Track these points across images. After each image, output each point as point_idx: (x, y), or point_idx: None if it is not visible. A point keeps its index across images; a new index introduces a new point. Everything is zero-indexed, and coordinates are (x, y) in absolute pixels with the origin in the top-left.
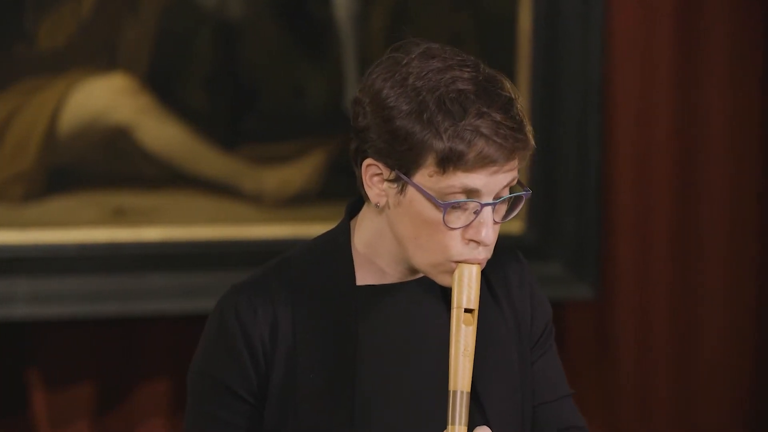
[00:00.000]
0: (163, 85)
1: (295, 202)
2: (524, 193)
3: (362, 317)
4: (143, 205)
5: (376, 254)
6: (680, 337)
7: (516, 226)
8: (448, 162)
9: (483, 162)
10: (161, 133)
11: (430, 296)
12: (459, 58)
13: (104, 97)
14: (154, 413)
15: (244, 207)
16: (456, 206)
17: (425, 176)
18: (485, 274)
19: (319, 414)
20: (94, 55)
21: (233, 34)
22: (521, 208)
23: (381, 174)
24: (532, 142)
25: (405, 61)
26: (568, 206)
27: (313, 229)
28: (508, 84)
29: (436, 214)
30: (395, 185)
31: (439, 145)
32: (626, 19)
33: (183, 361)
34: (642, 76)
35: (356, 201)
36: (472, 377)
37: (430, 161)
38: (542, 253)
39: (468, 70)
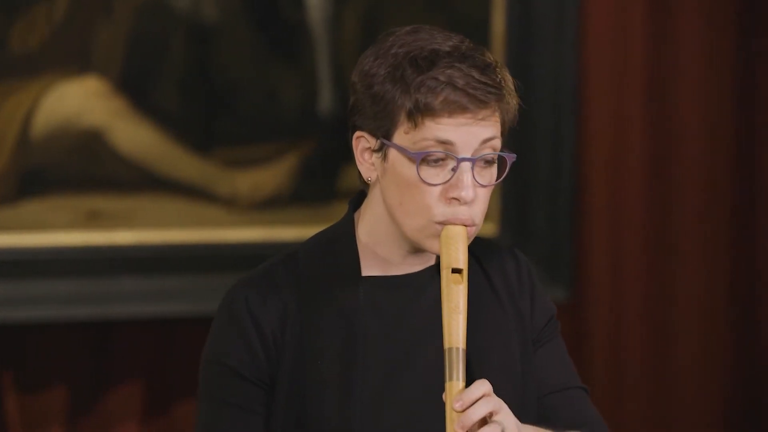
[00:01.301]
0: (136, 89)
1: (268, 206)
2: (507, 155)
3: (367, 307)
4: (117, 209)
5: (378, 243)
6: (653, 339)
7: (489, 228)
8: (416, 112)
9: (450, 109)
10: (134, 136)
11: (434, 287)
12: (447, 33)
13: (77, 101)
14: (128, 417)
15: (218, 210)
16: (431, 160)
17: (401, 135)
18: (485, 271)
19: (325, 402)
20: (67, 58)
21: (207, 37)
22: (506, 174)
23: (369, 147)
24: (512, 102)
25: (391, 39)
26: (542, 208)
27: (287, 233)
28: (491, 56)
29: (413, 171)
30: (380, 154)
31: (407, 98)
32: (600, 22)
33: (157, 364)
34: (615, 79)
35: (359, 194)
36: (473, 370)
37: (403, 117)
38: None
39: (452, 41)
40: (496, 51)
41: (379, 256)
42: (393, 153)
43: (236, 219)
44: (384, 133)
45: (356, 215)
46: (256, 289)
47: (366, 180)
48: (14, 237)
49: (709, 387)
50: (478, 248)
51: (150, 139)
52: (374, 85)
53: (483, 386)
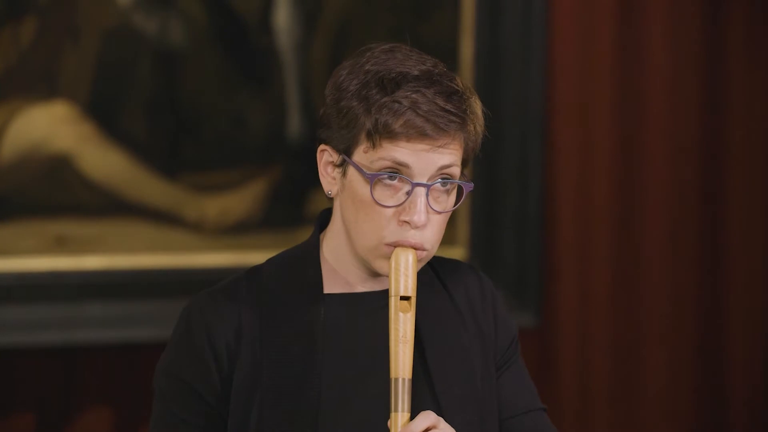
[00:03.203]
0: (103, 114)
1: (236, 231)
2: (463, 183)
3: (328, 324)
4: (84, 234)
5: (340, 261)
6: (622, 365)
7: (459, 253)
8: (376, 133)
9: (409, 134)
10: (102, 161)
11: None
12: (422, 57)
13: (45, 126)
14: None
15: (185, 235)
16: (386, 181)
17: (360, 153)
18: (447, 290)
19: (282, 418)
20: (34, 83)
21: (174, 62)
22: (461, 202)
23: (332, 161)
24: (473, 133)
25: (368, 55)
26: (510, 234)
27: (254, 257)
28: (461, 82)
29: (367, 191)
30: (341, 169)
31: (368, 118)
32: (567, 49)
33: (123, 390)
34: (583, 106)
35: (326, 212)
36: (433, 386)
37: (363, 136)
38: None
39: (424, 65)
40: (465, 77)
41: (342, 277)
42: (351, 170)
43: (204, 244)
44: (345, 149)
45: (322, 235)
46: (214, 302)
47: (327, 193)
48: None
49: (676, 413)
50: (440, 266)
51: (118, 164)
52: (342, 100)
53: (428, 418)
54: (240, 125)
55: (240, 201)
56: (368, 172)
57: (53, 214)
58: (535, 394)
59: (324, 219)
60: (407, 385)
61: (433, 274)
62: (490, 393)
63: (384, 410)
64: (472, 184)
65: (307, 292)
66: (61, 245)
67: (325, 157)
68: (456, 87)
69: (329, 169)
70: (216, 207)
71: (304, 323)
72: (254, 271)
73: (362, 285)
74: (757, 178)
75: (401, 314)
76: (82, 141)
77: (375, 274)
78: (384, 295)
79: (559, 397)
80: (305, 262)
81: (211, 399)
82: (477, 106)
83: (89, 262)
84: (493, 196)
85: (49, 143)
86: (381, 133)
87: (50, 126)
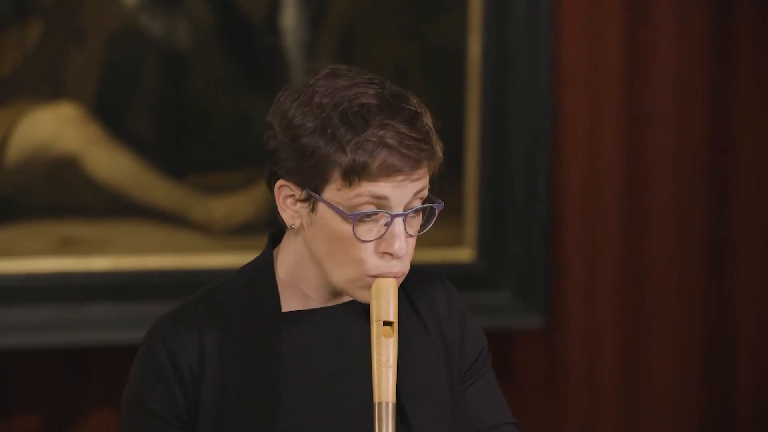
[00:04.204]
0: (110, 115)
1: (243, 231)
2: (436, 205)
3: (288, 342)
4: (91, 235)
5: (299, 280)
6: (629, 366)
7: (466, 255)
8: (353, 173)
9: (387, 171)
10: (108, 162)
11: (356, 321)
12: (366, 77)
13: (51, 127)
14: None
15: (192, 236)
16: (366, 218)
17: (333, 191)
18: (411, 301)
19: None
20: (40, 85)
21: (180, 63)
22: (435, 221)
23: (293, 195)
24: (440, 153)
25: (311, 82)
26: (518, 236)
27: None
28: (414, 100)
29: (346, 228)
30: (307, 204)
31: (343, 158)
32: (575, 49)
33: None
34: (591, 106)
35: (278, 230)
36: (400, 401)
37: (336, 175)
38: (492, 282)
39: (373, 87)
40: (473, 77)
41: (300, 291)
42: (323, 207)
43: (211, 245)
44: (313, 187)
45: (275, 252)
46: (174, 326)
47: (290, 226)
48: None
49: (684, 412)
50: (406, 278)
51: (124, 165)
52: (301, 138)
53: None
54: (246, 126)
55: (247, 202)
56: (349, 212)
57: (59, 216)
58: (506, 408)
59: (275, 237)
60: (391, 409)
61: (400, 286)
62: (457, 407)
63: (349, 427)
64: (442, 203)
65: (265, 312)
66: (67, 246)
67: (285, 192)
68: (413, 108)
69: (289, 202)
70: (223, 208)
71: (264, 345)
72: (211, 291)
73: (320, 302)
74: (765, 177)
75: (384, 339)
76: (88, 142)
77: (340, 293)
78: (342, 309)
79: (566, 398)
80: (260, 282)
81: (178, 423)
82: (431, 121)
83: (95, 263)
84: (500, 196)
85: (55, 144)
86: (359, 174)
87: (56, 127)
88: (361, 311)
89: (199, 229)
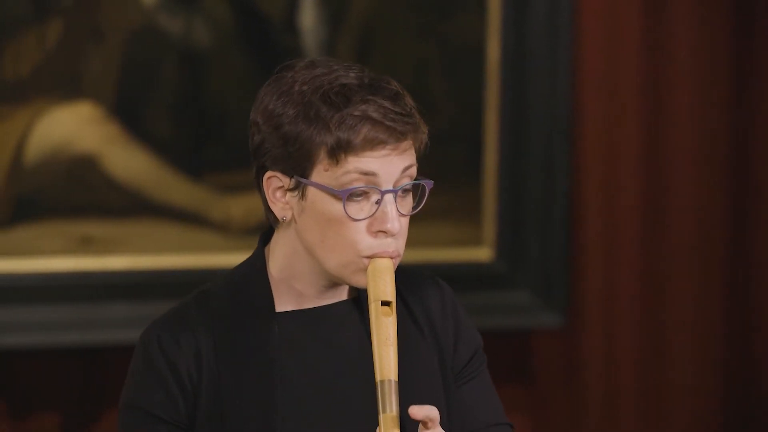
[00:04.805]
0: (128, 114)
1: (261, 231)
2: (426, 182)
3: (283, 343)
4: (109, 234)
5: (292, 277)
6: (648, 365)
7: (485, 255)
8: (338, 150)
9: (372, 144)
10: (127, 161)
11: (351, 320)
12: (344, 64)
13: (70, 126)
14: None
15: (211, 235)
16: (355, 195)
17: (321, 172)
18: (405, 300)
19: None
20: (60, 84)
21: (199, 62)
22: (425, 200)
23: (282, 186)
24: (424, 129)
25: (290, 75)
26: (537, 234)
27: None
28: (395, 83)
29: (337, 207)
30: (296, 193)
31: (327, 136)
32: (594, 48)
33: None
34: (610, 104)
35: (268, 229)
36: (400, 408)
37: (323, 155)
38: (511, 281)
39: (353, 71)
40: (491, 77)
41: (294, 289)
42: (312, 191)
43: (230, 244)
44: (301, 172)
45: (266, 250)
46: (169, 331)
47: (281, 219)
48: (6, 263)
49: (703, 414)
50: (398, 278)
51: (143, 164)
52: (284, 125)
53: (435, 411)
54: None
55: None
56: (338, 189)
57: (78, 215)
58: (501, 409)
59: (266, 236)
60: (393, 386)
61: None
62: (452, 406)
63: (345, 427)
64: (432, 182)
65: (259, 312)
66: (85, 246)
67: (274, 183)
68: (394, 88)
69: (279, 194)
70: (241, 207)
71: (258, 345)
72: (202, 294)
73: (314, 300)
74: None
75: (383, 318)
76: (107, 141)
77: (334, 285)
78: (336, 308)
79: (584, 398)
80: (253, 282)
81: (179, 428)
82: (412, 101)
83: (114, 262)
84: (519, 195)
85: (74, 144)
86: (344, 149)
87: (75, 126)
88: (355, 310)
89: (217, 229)
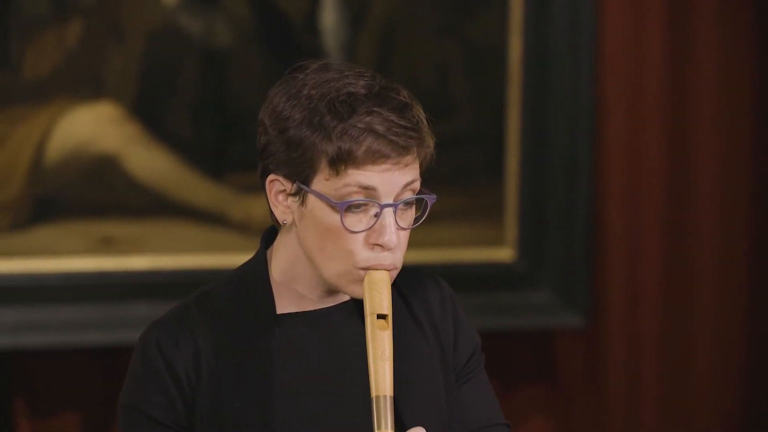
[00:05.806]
0: (149, 114)
1: None
2: (427, 197)
3: (283, 345)
4: (130, 234)
5: (293, 280)
6: (671, 365)
7: (507, 255)
8: (339, 161)
9: (373, 157)
10: (148, 161)
11: (351, 322)
12: (356, 70)
13: (91, 126)
14: None
15: (232, 235)
16: (354, 207)
17: (322, 181)
18: (405, 300)
19: None
20: (80, 84)
21: (220, 62)
22: (427, 214)
23: (284, 190)
24: (430, 143)
25: (301, 77)
26: (559, 235)
27: None
28: (405, 92)
29: (335, 218)
30: (297, 198)
31: (329, 146)
32: (616, 47)
33: None
34: (632, 104)
35: (271, 231)
36: (395, 399)
37: (324, 164)
38: (533, 281)
39: (364, 78)
40: (513, 77)
41: (295, 292)
42: (312, 199)
43: (250, 244)
44: (302, 179)
45: (269, 252)
46: (168, 331)
47: (282, 222)
48: (27, 263)
49: (725, 415)
50: (399, 277)
51: (163, 164)
52: (289, 129)
53: None
54: None
55: None
56: (336, 201)
57: (99, 215)
58: (498, 409)
59: (269, 237)
60: (389, 402)
61: (393, 286)
62: (453, 405)
63: (345, 428)
64: (434, 196)
65: (260, 314)
66: (106, 245)
67: (276, 187)
68: (403, 99)
69: (281, 197)
70: (262, 207)
71: (259, 347)
72: (203, 295)
73: (315, 303)
74: None
75: (379, 332)
76: (128, 141)
77: (334, 293)
78: (337, 310)
79: (606, 399)
80: (254, 284)
81: (178, 429)
82: (422, 114)
83: (135, 262)
84: (541, 195)
85: (94, 143)
86: (345, 160)
87: (96, 126)
88: (356, 312)
89: (237, 229)
